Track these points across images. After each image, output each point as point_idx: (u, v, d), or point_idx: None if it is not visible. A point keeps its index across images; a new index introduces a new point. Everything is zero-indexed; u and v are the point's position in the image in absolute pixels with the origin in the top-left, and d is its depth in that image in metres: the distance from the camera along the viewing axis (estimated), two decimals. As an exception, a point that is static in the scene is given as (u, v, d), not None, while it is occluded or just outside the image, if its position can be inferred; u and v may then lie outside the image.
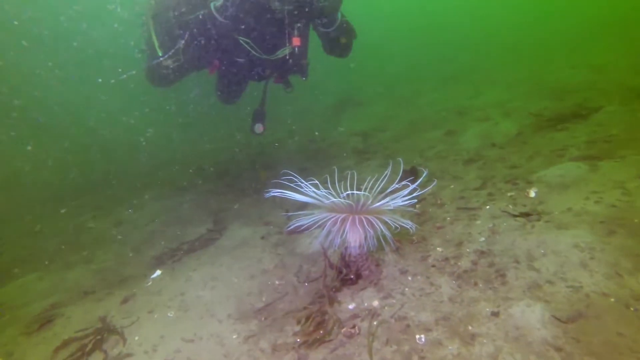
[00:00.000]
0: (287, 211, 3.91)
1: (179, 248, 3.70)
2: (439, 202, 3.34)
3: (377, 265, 2.51)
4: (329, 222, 2.40)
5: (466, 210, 3.01)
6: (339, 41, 4.10)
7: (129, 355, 2.25)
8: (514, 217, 2.66)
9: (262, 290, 2.63)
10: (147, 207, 5.76)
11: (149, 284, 3.12)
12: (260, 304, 2.47)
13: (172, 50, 3.76)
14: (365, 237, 2.44)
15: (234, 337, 2.19)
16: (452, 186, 3.60)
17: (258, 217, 4.19)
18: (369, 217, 2.38)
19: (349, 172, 3.11)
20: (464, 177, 3.73)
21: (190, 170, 6.97)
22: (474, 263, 2.28)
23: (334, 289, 2.33)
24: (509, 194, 3.07)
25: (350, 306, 2.22)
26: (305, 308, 2.19)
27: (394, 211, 2.36)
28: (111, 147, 8.70)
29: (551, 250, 2.16)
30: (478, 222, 2.77)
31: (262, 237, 3.46)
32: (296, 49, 3.77)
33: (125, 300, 2.91)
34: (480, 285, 2.09)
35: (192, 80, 4.89)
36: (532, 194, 2.98)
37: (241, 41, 3.90)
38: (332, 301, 2.21)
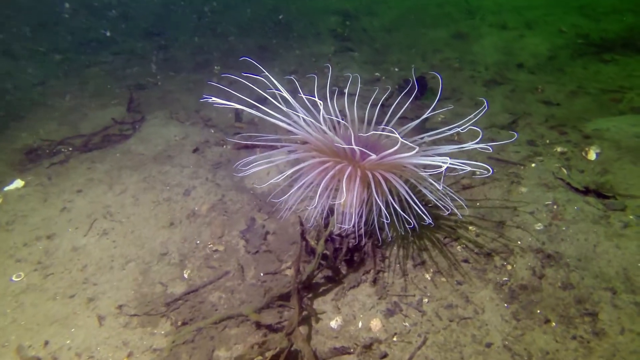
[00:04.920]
0: (239, 115, 2.71)
1: (67, 142, 2.44)
2: (456, 137, 2.38)
3: (378, 246, 1.57)
4: (315, 172, 1.35)
5: (502, 163, 2.08)
6: None
7: None
8: (581, 195, 1.79)
9: (185, 255, 1.61)
10: (47, 60, 4.13)
11: None
12: (180, 287, 1.48)
13: None
14: (367, 202, 1.46)
15: (122, 362, 1.22)
16: (471, 115, 2.61)
17: (194, 109, 2.96)
18: (383, 173, 1.35)
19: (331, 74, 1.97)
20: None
21: (111, 14, 5.19)
22: (537, 274, 1.42)
23: (308, 289, 1.38)
24: (558, 149, 2.16)
25: (334, 323, 1.32)
26: (258, 324, 1.23)
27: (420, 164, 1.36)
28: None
29: (668, 280, 1.34)
30: (523, 189, 1.87)
31: (196, 149, 2.32)
32: None
33: (-50, 230, 1.76)
34: (555, 325, 1.26)
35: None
36: (593, 155, 2.09)
37: None
38: (305, 317, 1.28)
